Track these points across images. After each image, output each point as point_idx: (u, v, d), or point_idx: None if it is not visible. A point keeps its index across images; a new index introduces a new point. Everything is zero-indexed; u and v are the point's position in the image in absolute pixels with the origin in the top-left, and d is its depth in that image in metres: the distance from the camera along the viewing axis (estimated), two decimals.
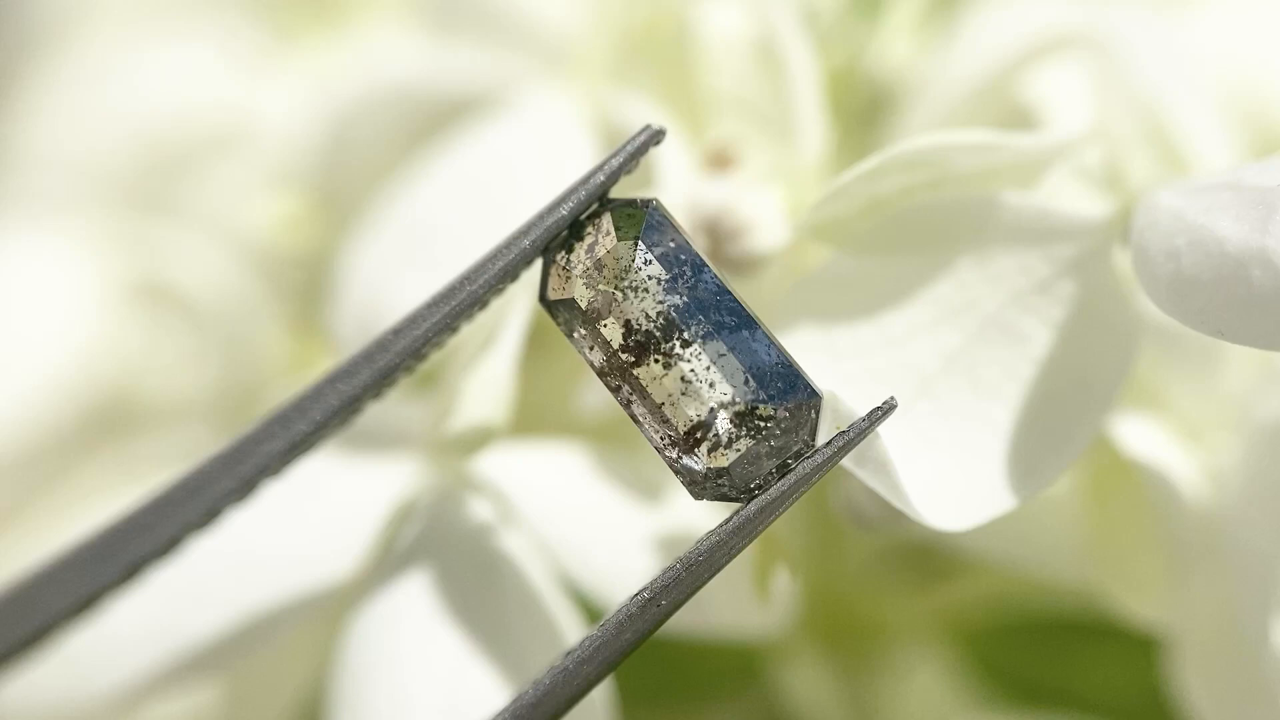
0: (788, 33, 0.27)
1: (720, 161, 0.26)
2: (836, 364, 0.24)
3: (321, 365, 0.31)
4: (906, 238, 0.24)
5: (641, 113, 0.27)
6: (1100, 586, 0.27)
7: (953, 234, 0.24)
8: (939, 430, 0.24)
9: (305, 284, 0.33)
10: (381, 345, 0.22)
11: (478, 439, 0.25)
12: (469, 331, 0.26)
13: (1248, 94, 0.30)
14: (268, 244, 0.33)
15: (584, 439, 0.27)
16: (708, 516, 0.26)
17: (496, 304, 0.25)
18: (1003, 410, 0.24)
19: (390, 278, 0.27)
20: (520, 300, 0.25)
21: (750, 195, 0.26)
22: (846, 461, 0.23)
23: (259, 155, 0.35)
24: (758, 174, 0.26)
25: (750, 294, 0.24)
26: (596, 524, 0.25)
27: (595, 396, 0.27)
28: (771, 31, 0.27)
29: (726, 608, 0.26)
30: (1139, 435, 0.26)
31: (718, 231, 0.25)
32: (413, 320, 0.23)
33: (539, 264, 0.23)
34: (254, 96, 0.35)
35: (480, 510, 0.25)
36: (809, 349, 0.24)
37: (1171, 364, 0.26)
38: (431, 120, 0.30)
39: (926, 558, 0.31)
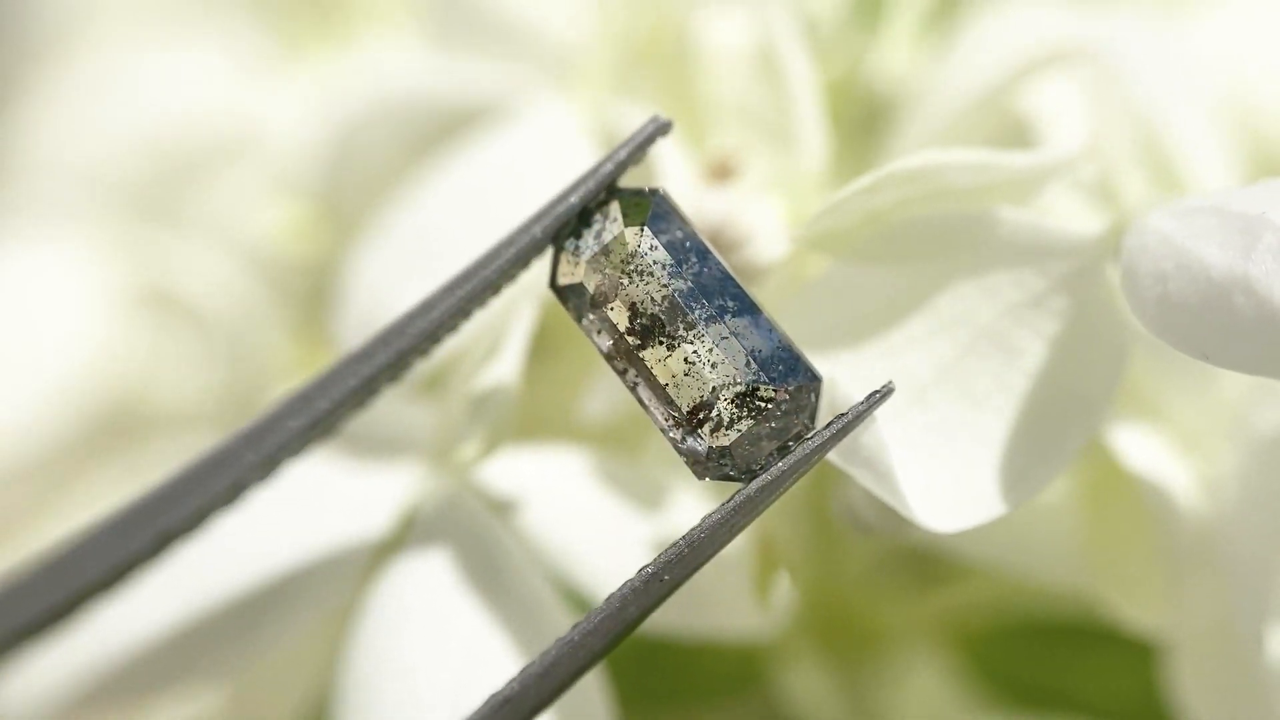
0: (788, 43, 0.27)
1: (722, 172, 0.26)
2: (834, 372, 0.24)
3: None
4: (903, 250, 0.25)
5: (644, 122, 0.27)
6: (1098, 592, 0.27)
7: (948, 247, 0.25)
8: (932, 439, 0.24)
9: (310, 291, 0.33)
10: (398, 329, 0.23)
11: (485, 445, 0.25)
12: (474, 337, 0.26)
13: (1246, 104, 0.30)
14: (273, 251, 0.33)
15: (587, 444, 0.27)
16: None
17: (502, 306, 0.25)
18: (995, 421, 0.24)
19: (394, 285, 0.27)
20: (525, 307, 0.26)
21: (752, 205, 0.26)
22: (842, 460, 0.23)
23: (265, 163, 0.35)
24: (759, 184, 0.27)
25: None
26: (599, 528, 0.26)
27: (598, 402, 0.27)
28: (772, 42, 0.27)
29: (727, 610, 0.26)
30: (1136, 445, 0.26)
31: (720, 241, 0.26)
32: (428, 305, 0.23)
33: (549, 254, 0.24)
34: (260, 104, 0.35)
35: (484, 514, 0.25)
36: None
37: (1168, 374, 0.26)
38: (436, 129, 0.30)
39: (925, 562, 0.31)
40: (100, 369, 0.35)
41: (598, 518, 0.26)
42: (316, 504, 0.26)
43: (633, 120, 0.28)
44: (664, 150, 0.26)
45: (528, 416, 0.26)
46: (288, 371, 0.33)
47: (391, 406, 0.27)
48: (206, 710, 0.30)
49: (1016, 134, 0.28)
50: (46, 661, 0.25)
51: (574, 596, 0.25)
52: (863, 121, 0.30)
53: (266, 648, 0.26)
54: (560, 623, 0.25)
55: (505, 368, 0.25)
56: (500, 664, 0.24)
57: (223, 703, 0.30)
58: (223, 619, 0.26)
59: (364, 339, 0.23)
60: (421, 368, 0.26)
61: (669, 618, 0.25)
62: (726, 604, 0.26)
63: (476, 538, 0.25)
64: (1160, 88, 0.27)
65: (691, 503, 0.26)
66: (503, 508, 0.26)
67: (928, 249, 0.25)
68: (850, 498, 0.26)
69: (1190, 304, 0.22)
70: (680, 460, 0.24)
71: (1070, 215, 0.26)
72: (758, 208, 0.26)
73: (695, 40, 0.28)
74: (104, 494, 0.34)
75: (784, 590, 0.26)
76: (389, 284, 0.27)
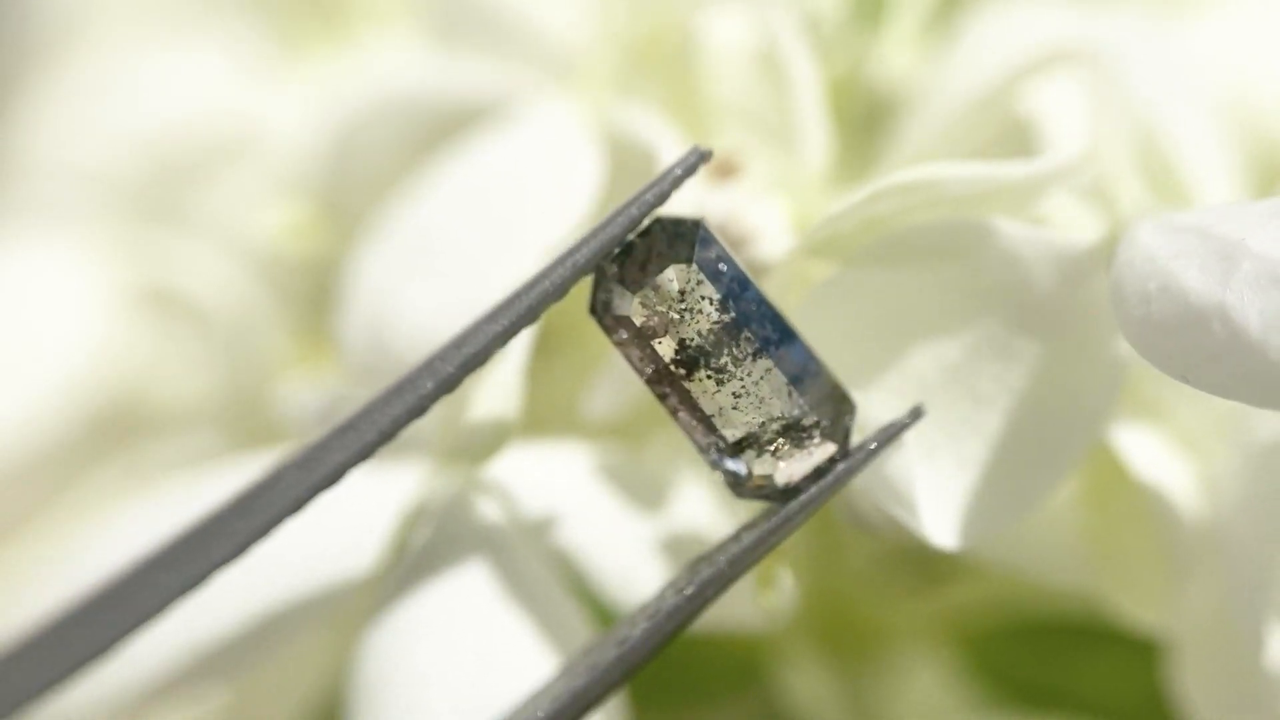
0: (790, 43, 0.27)
1: (725, 171, 0.27)
2: (843, 377, 0.24)
3: (327, 370, 0.32)
4: (903, 256, 0.25)
5: (647, 123, 0.27)
6: (1100, 590, 0.27)
7: (948, 254, 0.25)
8: (941, 442, 0.24)
9: (312, 291, 0.33)
10: (443, 356, 0.23)
11: (490, 444, 0.25)
12: None
13: (1248, 105, 0.30)
14: (274, 251, 0.33)
15: (592, 440, 0.27)
16: (715, 517, 0.26)
17: None
18: (1000, 424, 0.24)
19: (396, 286, 0.27)
20: None
21: (755, 204, 0.26)
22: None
23: (266, 163, 0.35)
24: (762, 183, 0.27)
25: None
26: (606, 525, 0.26)
27: (602, 399, 0.27)
28: (774, 42, 0.27)
29: (729, 606, 0.26)
30: (1137, 445, 0.26)
31: (723, 240, 0.26)
32: (473, 332, 0.24)
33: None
34: (260, 104, 0.35)
35: (491, 512, 0.25)
36: None
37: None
38: (437, 129, 0.30)
39: (927, 561, 0.31)
40: (100, 369, 0.35)
41: (603, 513, 0.26)
42: (323, 504, 0.26)
43: (635, 122, 0.28)
44: (668, 152, 0.26)
45: (532, 414, 0.26)
46: (289, 371, 0.33)
47: None
48: (208, 713, 0.30)
49: (1019, 135, 0.28)
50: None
51: (582, 593, 0.25)
52: (865, 120, 0.30)
53: (271, 651, 0.26)
54: (571, 620, 0.25)
55: (510, 366, 0.25)
56: (512, 664, 0.24)
57: (224, 706, 0.30)
58: (227, 624, 0.26)
59: (411, 368, 0.24)
60: None
61: None
62: (729, 600, 0.26)
63: (484, 536, 0.25)
64: (1161, 89, 0.27)
65: (697, 497, 0.26)
66: (509, 506, 0.26)
67: (927, 256, 0.25)
68: (853, 496, 0.26)
69: (1170, 327, 0.22)
70: (684, 456, 0.24)
71: (1070, 220, 0.26)
72: (760, 207, 0.26)
73: (697, 40, 0.28)
74: (104, 494, 0.34)
75: (787, 587, 0.26)
76: (391, 284, 0.28)
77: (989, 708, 0.32)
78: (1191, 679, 0.27)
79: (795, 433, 0.23)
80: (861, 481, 0.24)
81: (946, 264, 0.25)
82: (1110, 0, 0.30)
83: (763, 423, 0.23)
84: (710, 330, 0.23)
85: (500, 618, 0.25)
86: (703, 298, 0.23)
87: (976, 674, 0.32)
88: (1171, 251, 0.23)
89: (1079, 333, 0.25)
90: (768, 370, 0.23)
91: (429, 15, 0.32)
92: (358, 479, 0.26)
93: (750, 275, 0.24)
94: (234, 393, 0.33)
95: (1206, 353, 0.22)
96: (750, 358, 0.23)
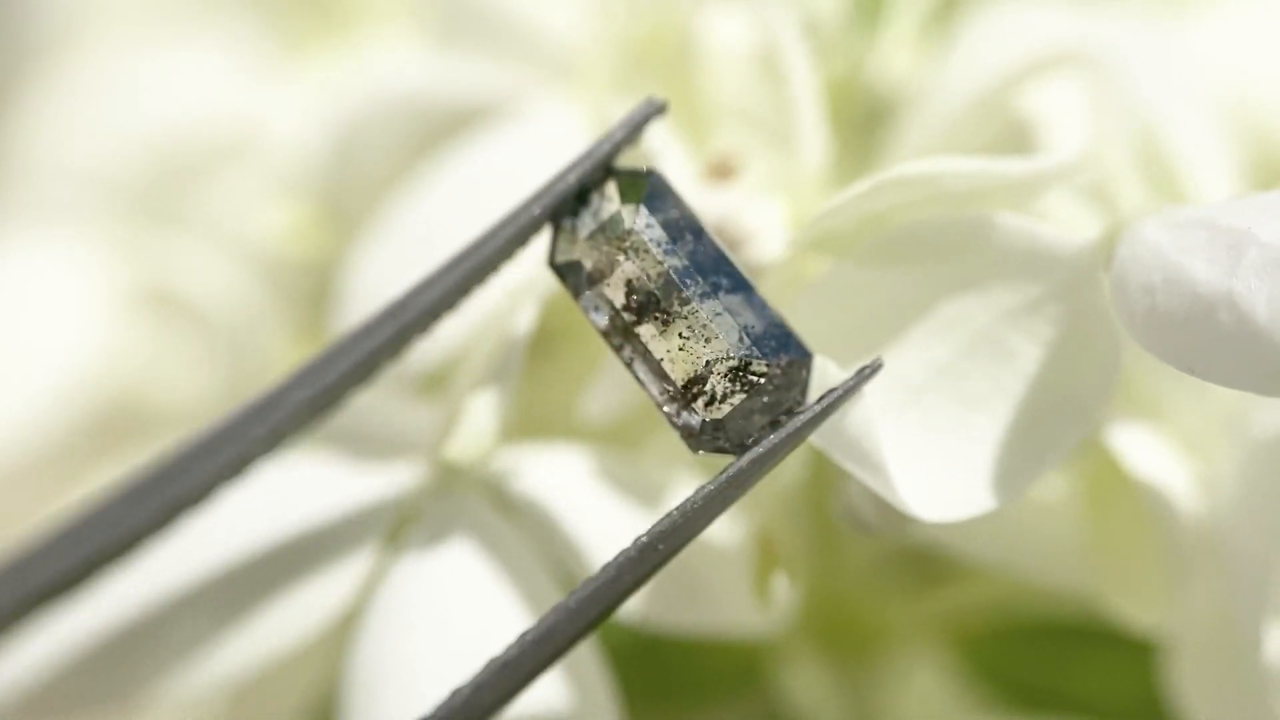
0: (789, 44, 0.27)
1: (722, 171, 0.27)
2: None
3: None
4: (901, 253, 0.25)
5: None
6: (1098, 591, 0.27)
7: (946, 252, 0.25)
8: (926, 438, 0.24)
9: (311, 291, 0.33)
10: (400, 305, 0.24)
11: (486, 445, 0.25)
12: (476, 336, 0.26)
13: (1249, 105, 0.30)
14: (274, 251, 0.34)
15: (588, 442, 0.27)
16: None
17: (505, 305, 0.25)
18: (989, 422, 0.24)
19: (395, 285, 0.27)
20: (526, 306, 0.26)
21: (752, 205, 0.26)
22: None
23: (266, 163, 0.35)
24: (759, 184, 0.27)
25: None
26: (601, 526, 0.26)
27: (599, 401, 0.27)
28: (773, 43, 0.27)
29: (727, 608, 0.26)
30: (1136, 445, 0.26)
31: (723, 238, 0.26)
32: (429, 281, 0.24)
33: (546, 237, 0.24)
34: (261, 105, 0.35)
35: (486, 511, 0.25)
36: None
37: (1167, 374, 0.26)
38: (437, 130, 0.30)
39: (925, 562, 0.31)
40: (100, 369, 0.35)
41: (599, 515, 0.26)
42: (320, 502, 0.26)
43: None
44: (665, 150, 0.27)
45: (529, 416, 0.26)
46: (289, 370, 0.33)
47: (393, 406, 0.27)
48: (207, 714, 0.30)
49: (1018, 135, 0.28)
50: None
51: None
52: (863, 122, 0.30)
53: (271, 643, 0.26)
54: None
55: (507, 366, 0.25)
56: None
57: (223, 705, 0.30)
58: (219, 620, 0.26)
59: (369, 316, 0.24)
60: (422, 366, 0.26)
61: (670, 615, 0.25)
62: (727, 602, 0.26)
63: (479, 535, 0.25)
64: (1161, 89, 0.27)
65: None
66: (505, 505, 0.26)
67: (925, 253, 0.25)
68: (850, 497, 0.26)
69: (1176, 317, 0.22)
70: (681, 459, 0.24)
71: (1069, 219, 0.26)
72: (758, 207, 0.26)
73: (696, 41, 0.28)
74: None
75: (784, 589, 0.26)
76: (389, 284, 0.27)
77: (989, 708, 0.32)
78: (1191, 679, 0.27)
79: (745, 377, 0.23)
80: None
81: (944, 261, 0.25)
82: (1110, 0, 0.30)
83: (708, 362, 0.23)
84: (659, 274, 0.23)
85: (493, 614, 0.25)
86: (650, 240, 0.24)
87: (976, 674, 0.32)
88: (1178, 245, 0.23)
89: (1076, 330, 0.25)
90: (715, 314, 0.23)
91: (429, 15, 0.32)
92: (355, 478, 0.26)
93: (705, 226, 0.24)
94: (234, 393, 0.33)
95: (1212, 342, 0.22)
96: (697, 300, 0.23)
